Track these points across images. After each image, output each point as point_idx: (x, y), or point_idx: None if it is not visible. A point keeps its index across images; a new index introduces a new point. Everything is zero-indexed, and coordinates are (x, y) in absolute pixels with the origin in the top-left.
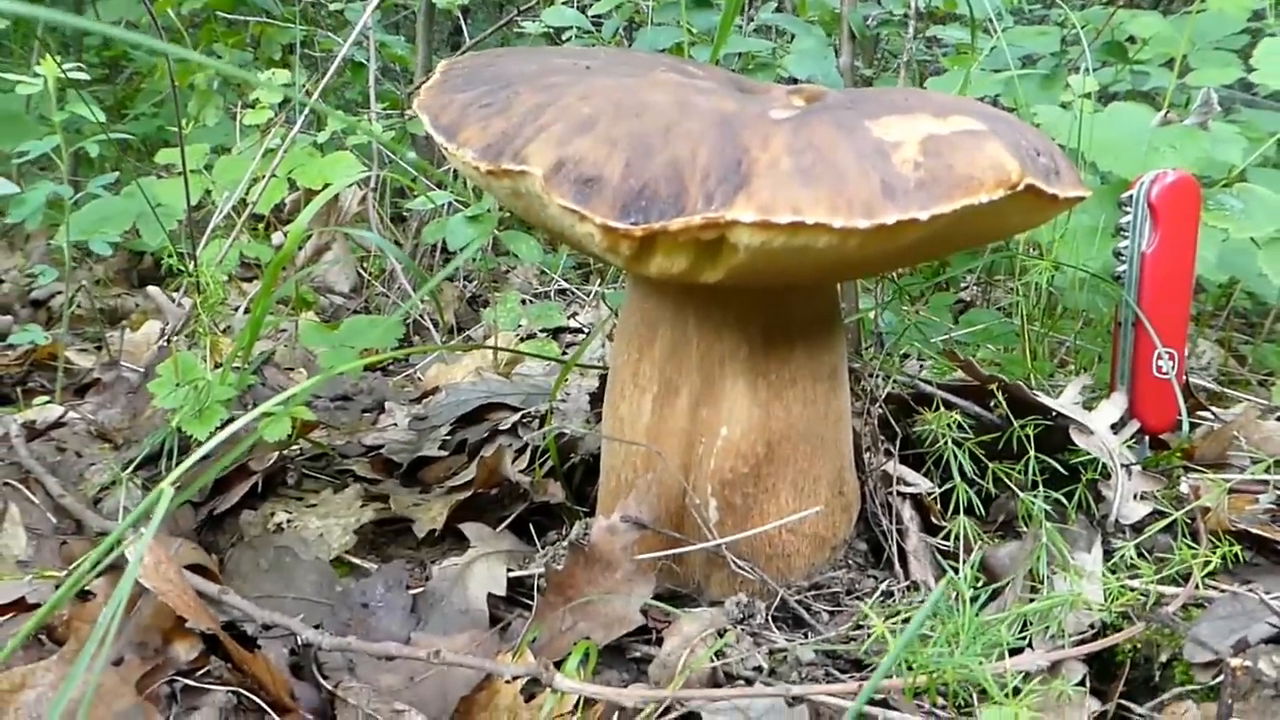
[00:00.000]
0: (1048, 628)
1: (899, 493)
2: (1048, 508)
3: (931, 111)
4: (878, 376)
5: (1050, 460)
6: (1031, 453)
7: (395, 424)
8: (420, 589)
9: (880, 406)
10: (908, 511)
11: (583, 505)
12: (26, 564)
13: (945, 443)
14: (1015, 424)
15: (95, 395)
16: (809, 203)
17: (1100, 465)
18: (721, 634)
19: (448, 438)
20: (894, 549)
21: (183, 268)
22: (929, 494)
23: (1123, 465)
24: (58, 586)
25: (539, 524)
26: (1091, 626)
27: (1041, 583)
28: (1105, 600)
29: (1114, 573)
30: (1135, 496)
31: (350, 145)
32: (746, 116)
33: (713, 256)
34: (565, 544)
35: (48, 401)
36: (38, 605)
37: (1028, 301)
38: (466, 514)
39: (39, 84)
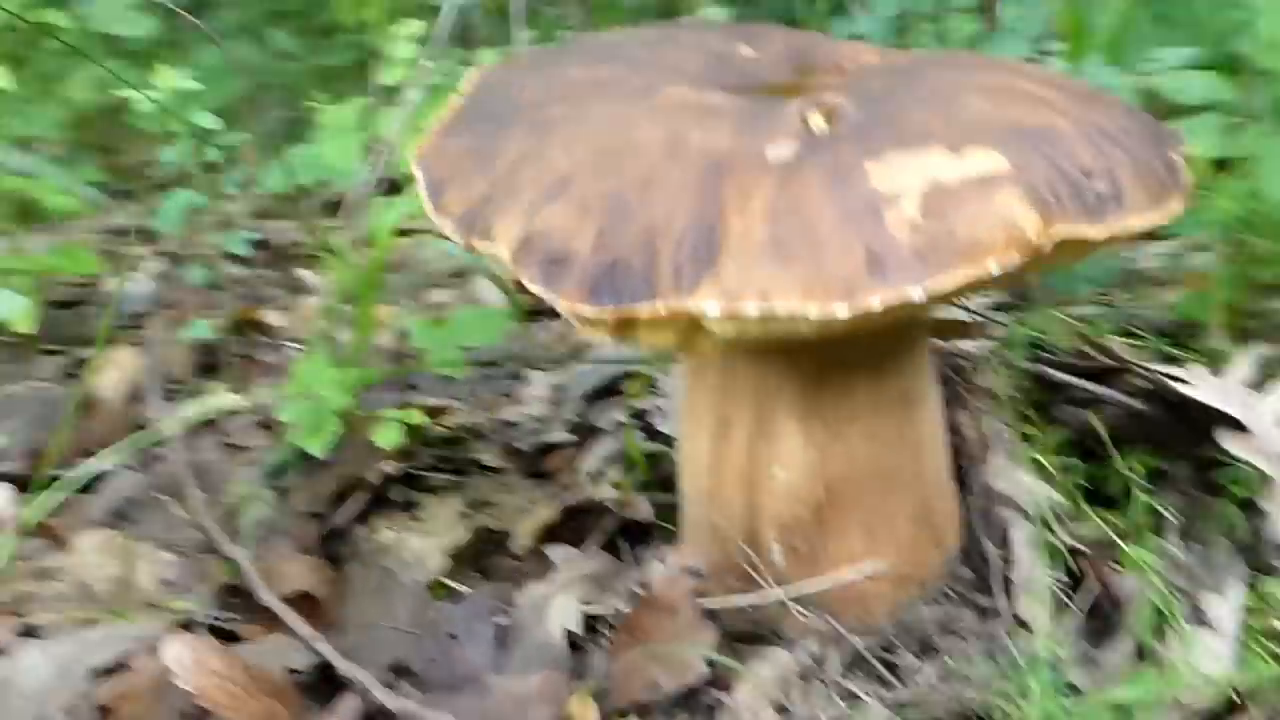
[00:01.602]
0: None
1: (1007, 509)
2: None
3: (950, 141)
4: (993, 365)
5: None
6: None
7: (536, 395)
8: (506, 618)
9: (991, 404)
10: (1017, 533)
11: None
12: (172, 583)
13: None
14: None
15: (262, 378)
16: (780, 287)
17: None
18: (792, 682)
19: (576, 418)
20: (997, 581)
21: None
22: (1048, 506)
23: None
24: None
25: (634, 537)
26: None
27: (1160, 633)
28: (1232, 668)
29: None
30: None
31: None
32: (738, 159)
33: (699, 331)
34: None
35: (224, 388)
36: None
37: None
38: (563, 526)
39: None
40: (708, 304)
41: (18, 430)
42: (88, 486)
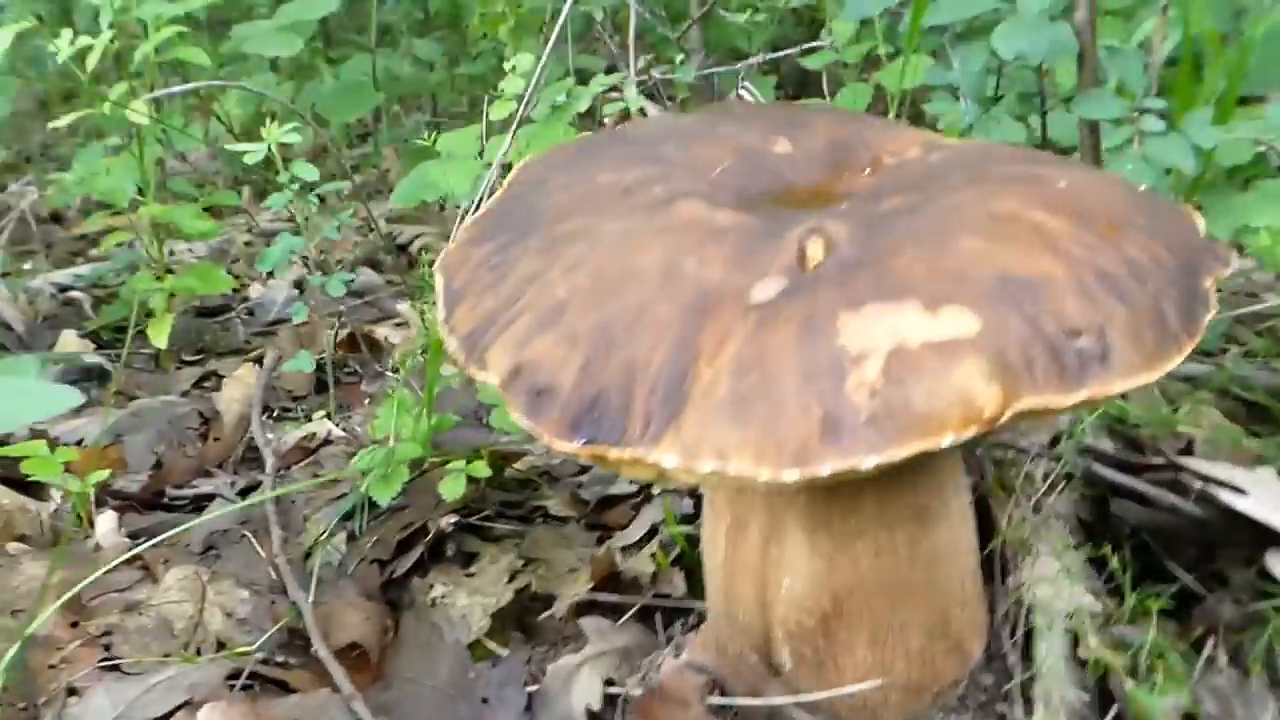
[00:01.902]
0: None
1: (1037, 617)
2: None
3: (930, 294)
4: (1039, 460)
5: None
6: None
7: None
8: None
9: (1034, 503)
10: (1043, 645)
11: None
12: (245, 621)
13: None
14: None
15: (361, 408)
16: (734, 446)
17: None
18: None
19: None
20: (1016, 694)
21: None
22: (1084, 618)
23: None
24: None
25: (672, 610)
26: None
27: None
28: None
29: None
30: None
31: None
32: (724, 296)
33: (667, 474)
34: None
35: (325, 415)
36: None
37: None
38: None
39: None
40: (666, 457)
41: (145, 444)
42: (199, 505)
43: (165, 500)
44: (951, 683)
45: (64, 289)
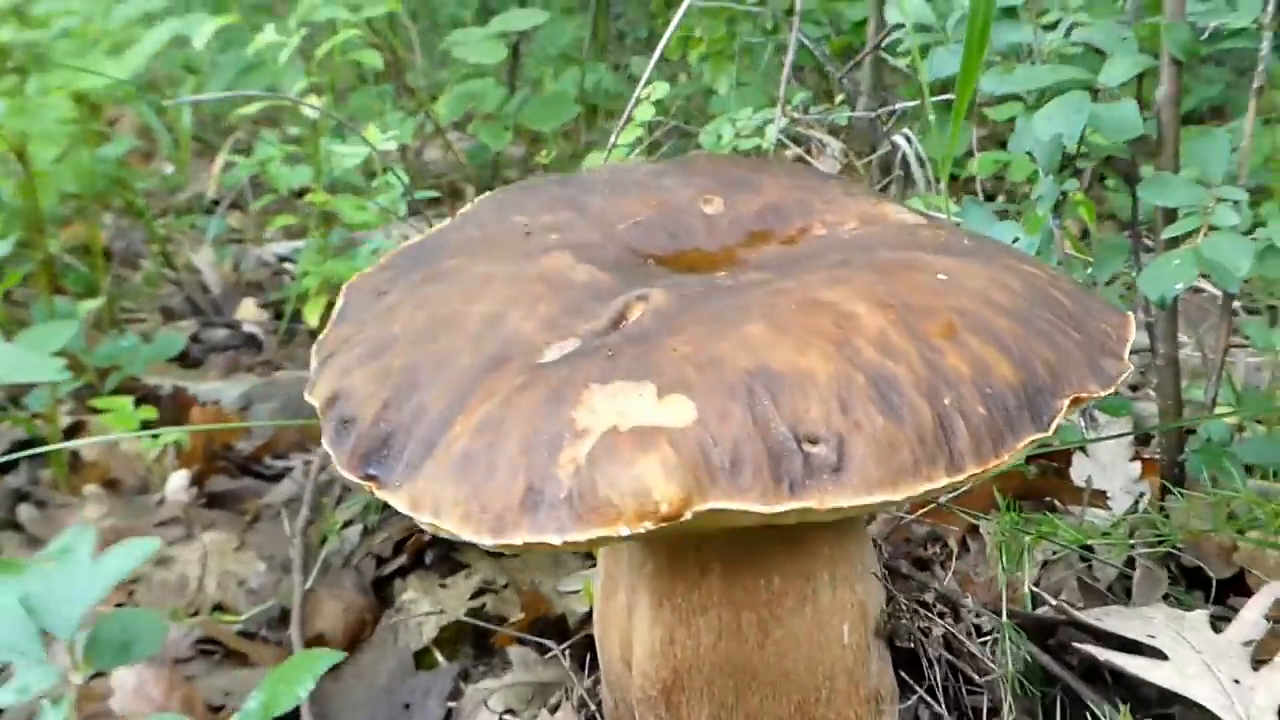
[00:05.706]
0: None
1: None
2: None
3: (671, 378)
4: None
5: None
6: None
7: None
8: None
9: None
10: None
11: None
12: (255, 592)
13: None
14: None
15: None
16: (448, 504)
17: None
18: None
19: None
20: None
21: None
22: None
23: None
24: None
25: None
26: None
27: None
28: None
29: None
30: None
31: None
32: (518, 353)
33: None
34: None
35: None
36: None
37: None
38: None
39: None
40: (400, 504)
41: (268, 414)
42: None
43: (258, 467)
44: None
45: (282, 259)
